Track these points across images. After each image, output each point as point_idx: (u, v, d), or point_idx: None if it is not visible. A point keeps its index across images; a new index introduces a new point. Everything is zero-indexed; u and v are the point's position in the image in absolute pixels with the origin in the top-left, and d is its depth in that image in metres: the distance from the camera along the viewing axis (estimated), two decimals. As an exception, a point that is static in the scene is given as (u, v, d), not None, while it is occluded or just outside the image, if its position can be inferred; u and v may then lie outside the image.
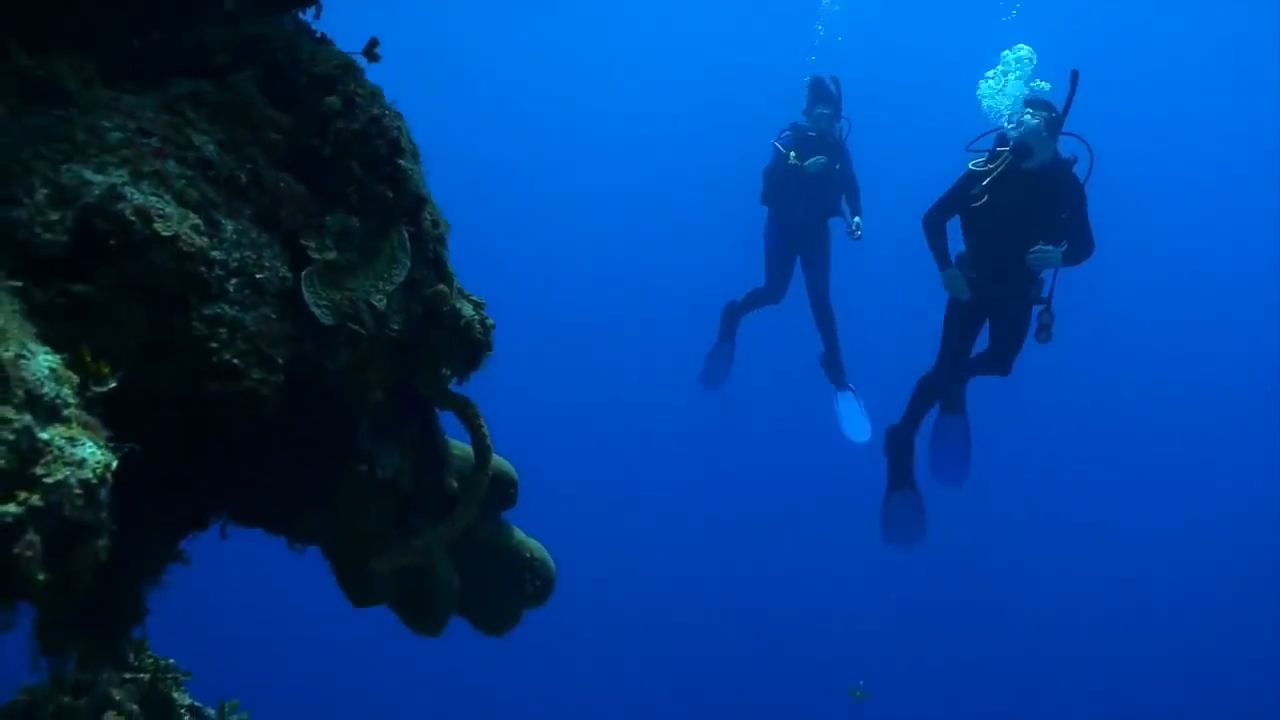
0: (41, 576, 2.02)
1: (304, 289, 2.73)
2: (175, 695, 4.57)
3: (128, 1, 2.87)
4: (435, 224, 3.21)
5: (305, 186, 2.88)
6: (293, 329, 2.72)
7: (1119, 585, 22.99)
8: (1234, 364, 23.81)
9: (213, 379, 2.55)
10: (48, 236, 2.39)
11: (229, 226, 2.63)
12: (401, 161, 2.99)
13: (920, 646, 22.23)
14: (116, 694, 4.31)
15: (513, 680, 20.38)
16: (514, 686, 20.54)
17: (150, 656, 4.48)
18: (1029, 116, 8.62)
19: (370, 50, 3.06)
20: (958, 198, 8.99)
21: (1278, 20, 23.18)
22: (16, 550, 1.95)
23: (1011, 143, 8.69)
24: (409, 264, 2.99)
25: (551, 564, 4.07)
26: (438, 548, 3.42)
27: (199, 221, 2.51)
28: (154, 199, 2.48)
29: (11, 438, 1.98)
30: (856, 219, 11.65)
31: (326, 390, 2.95)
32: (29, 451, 2.01)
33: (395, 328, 2.99)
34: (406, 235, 3.03)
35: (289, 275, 2.74)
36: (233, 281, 2.59)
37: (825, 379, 12.62)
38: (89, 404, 2.20)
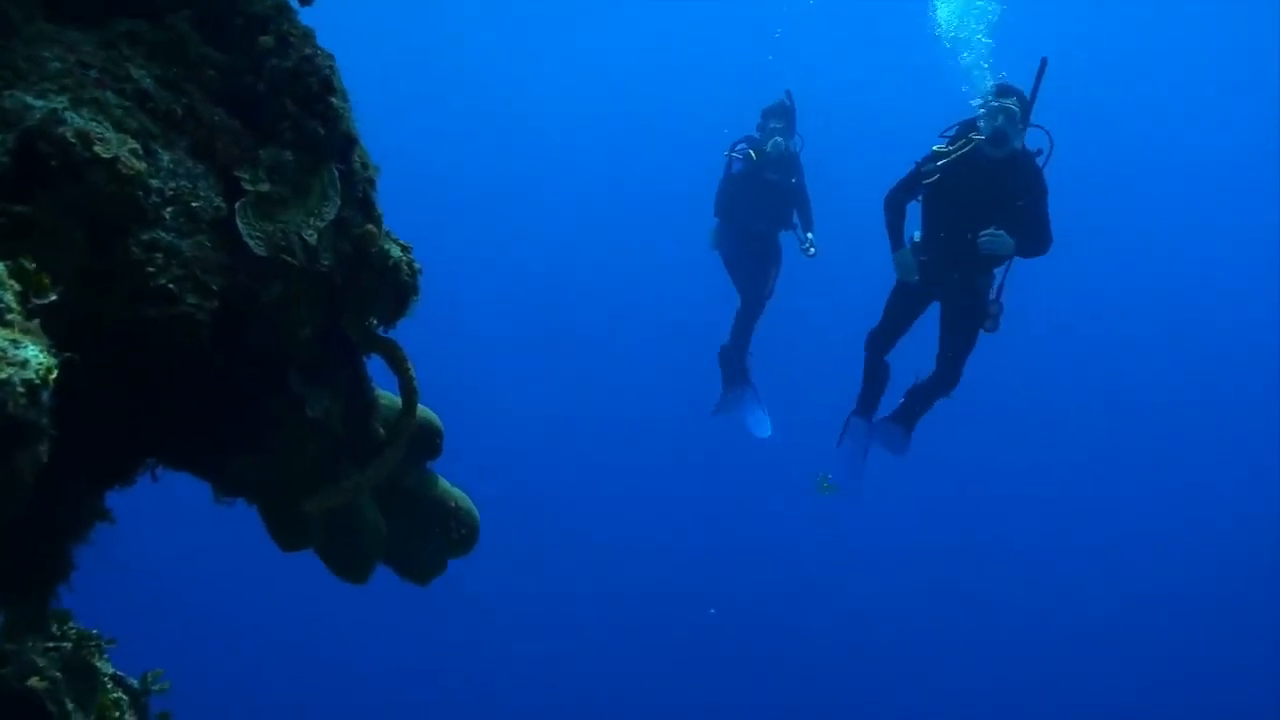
0: (-17, 475, 2.05)
1: (238, 219, 2.80)
2: (98, 664, 4.58)
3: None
4: (364, 165, 3.29)
5: (239, 122, 2.96)
6: (227, 258, 2.78)
7: (1119, 585, 23.20)
8: (1234, 363, 24.06)
9: (149, 303, 2.60)
10: (-10, 158, 2.44)
11: (165, 156, 2.69)
12: (333, 99, 3.07)
13: (919, 646, 22.42)
14: (40, 661, 4.33)
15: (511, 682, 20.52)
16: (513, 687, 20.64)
17: (73, 627, 4.49)
18: (1006, 103, 8.73)
19: (302, -9, 3.14)
20: (916, 176, 9.11)
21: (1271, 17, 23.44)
22: (-39, 444, 1.99)
23: (982, 128, 8.81)
24: (339, 202, 3.06)
25: (475, 512, 4.14)
26: (367, 486, 3.48)
27: (137, 147, 2.57)
28: (94, 124, 2.54)
29: (-44, 338, 2.02)
30: (809, 234, 11.76)
31: (257, 328, 3.00)
32: (-28, 352, 2.05)
33: (325, 263, 3.06)
34: (337, 174, 3.10)
35: (223, 206, 2.81)
36: (169, 209, 2.65)
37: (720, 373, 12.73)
38: (29, 315, 2.24)
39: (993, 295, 9.23)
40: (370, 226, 3.25)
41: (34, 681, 4.26)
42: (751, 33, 24.88)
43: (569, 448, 24.23)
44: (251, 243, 2.81)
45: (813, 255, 11.68)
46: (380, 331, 3.54)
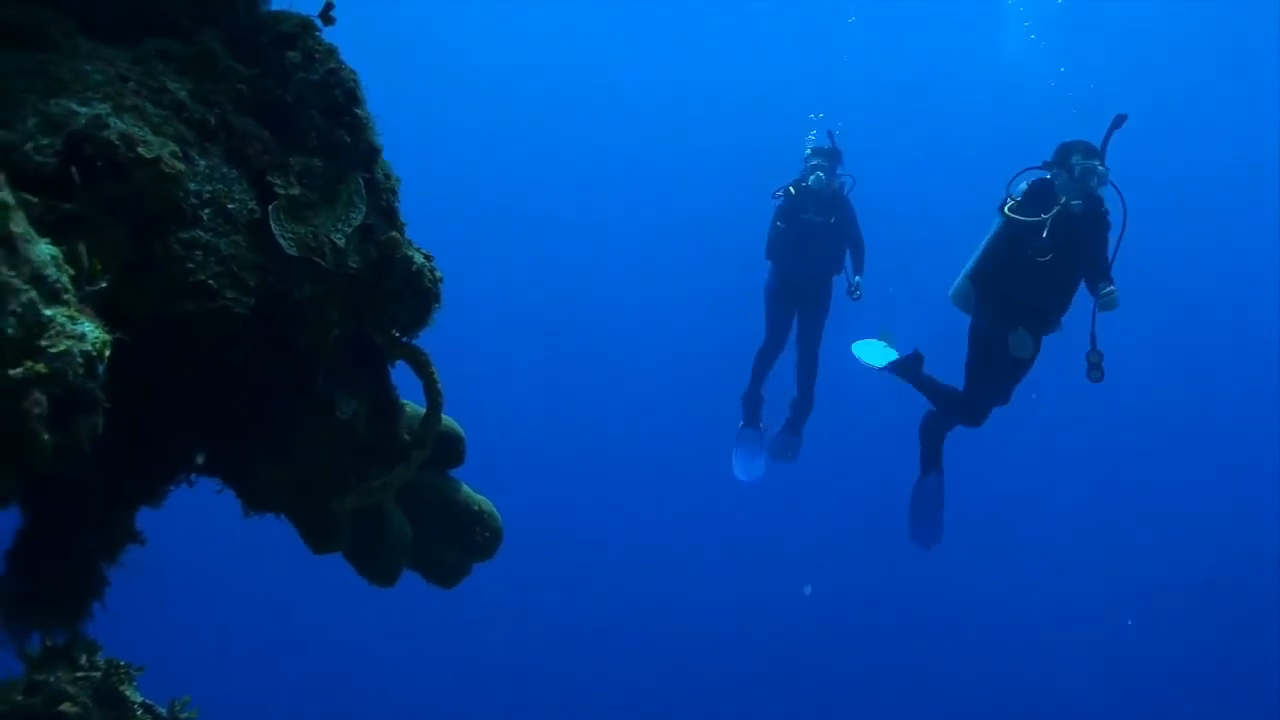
0: (47, 437, 2.19)
1: (271, 221, 2.95)
2: (127, 691, 4.67)
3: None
4: (387, 176, 3.45)
5: (269, 132, 3.12)
6: (261, 258, 2.93)
7: (1119, 585, 23.11)
8: (1235, 362, 23.99)
9: (189, 298, 2.75)
10: (39, 159, 2.59)
11: (202, 161, 2.84)
12: (358, 110, 3.24)
13: (918, 645, 22.34)
14: (71, 689, 4.43)
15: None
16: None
17: (101, 656, 4.58)
18: (1097, 165, 8.69)
19: (325, 13, 3.30)
20: (1013, 253, 9.03)
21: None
22: (25, 405, 2.12)
23: (1068, 189, 8.76)
24: (365, 209, 3.22)
25: (499, 516, 4.26)
26: (394, 487, 3.61)
27: (177, 149, 2.73)
28: (136, 128, 2.70)
29: (19, 310, 2.16)
30: (857, 278, 11.78)
31: (288, 327, 3.15)
32: (35, 324, 2.19)
33: (353, 266, 3.21)
34: (363, 182, 3.26)
35: (256, 208, 2.96)
36: (206, 210, 2.80)
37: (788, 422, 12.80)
38: (82, 299, 2.39)
39: (1090, 346, 9.03)
40: (394, 233, 3.40)
41: (66, 707, 4.36)
42: (774, 33, 25.19)
43: (576, 454, 24.25)
44: (284, 243, 2.96)
45: (858, 298, 11.70)
46: (404, 339, 3.68)
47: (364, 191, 3.24)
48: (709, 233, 24.30)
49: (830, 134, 11.97)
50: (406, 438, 3.75)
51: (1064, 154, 8.91)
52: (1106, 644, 22.63)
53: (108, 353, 2.32)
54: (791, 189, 11.66)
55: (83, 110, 2.66)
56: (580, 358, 25.91)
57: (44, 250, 2.28)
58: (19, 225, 2.24)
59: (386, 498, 3.70)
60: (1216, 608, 22.77)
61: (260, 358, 3.11)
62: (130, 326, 2.80)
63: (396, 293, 3.45)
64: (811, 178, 11.56)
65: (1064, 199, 8.76)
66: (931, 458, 10.38)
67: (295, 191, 3.03)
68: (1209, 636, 22.58)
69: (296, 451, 3.40)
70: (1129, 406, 23.13)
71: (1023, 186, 9.12)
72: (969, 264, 9.52)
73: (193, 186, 2.78)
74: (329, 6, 3.29)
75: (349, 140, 3.20)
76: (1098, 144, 8.77)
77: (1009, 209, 9.00)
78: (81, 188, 2.61)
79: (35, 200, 2.54)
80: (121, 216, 2.66)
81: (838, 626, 22.41)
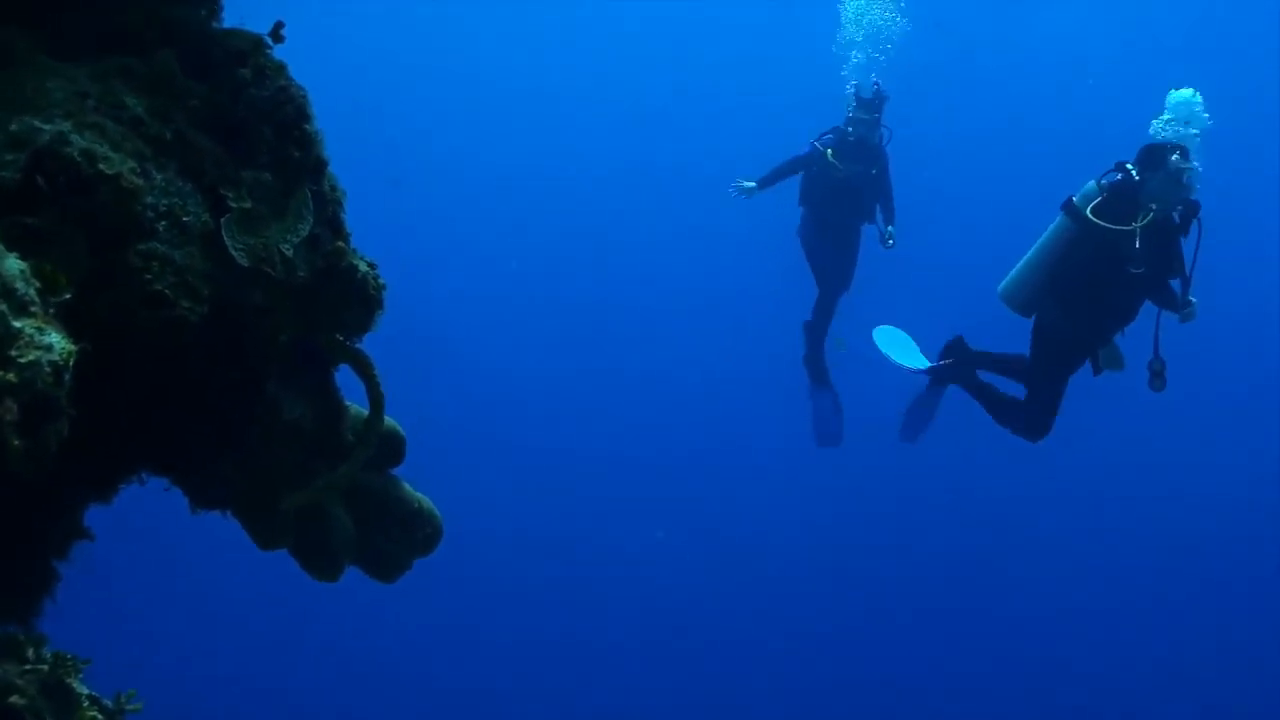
0: (17, 442, 2.33)
1: (224, 232, 3.10)
2: (74, 684, 4.77)
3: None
4: (333, 188, 3.60)
5: (223, 145, 3.26)
6: (214, 268, 3.08)
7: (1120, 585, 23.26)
8: (1235, 360, 24.10)
9: (147, 307, 2.89)
10: (4, 174, 2.72)
11: (158, 176, 2.98)
12: (306, 126, 3.39)
13: (919, 645, 22.44)
14: (19, 682, 4.53)
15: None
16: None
17: (50, 650, 4.68)
18: (1196, 166, 8.40)
19: (275, 32, 3.45)
20: (1101, 262, 8.67)
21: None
22: (-2, 413, 2.27)
23: (1165, 195, 8.42)
24: (312, 220, 3.37)
25: (438, 514, 4.41)
26: (339, 485, 3.76)
27: (135, 165, 2.87)
28: (96, 145, 2.83)
29: (-10, 323, 2.30)
30: (890, 228, 11.81)
31: (239, 334, 3.29)
32: (4, 335, 2.33)
33: (301, 275, 3.36)
34: (310, 194, 3.41)
35: (210, 221, 3.10)
36: (162, 223, 2.94)
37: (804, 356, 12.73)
38: (47, 310, 2.53)
39: (1152, 354, 8.84)
40: (340, 243, 3.55)
41: (14, 699, 4.46)
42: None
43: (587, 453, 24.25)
44: (236, 254, 3.10)
45: (891, 248, 11.76)
46: (348, 343, 3.83)
47: (311, 204, 3.38)
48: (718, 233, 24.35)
49: (875, 84, 11.92)
50: (350, 438, 3.90)
51: (1157, 155, 8.51)
52: (1110, 644, 22.82)
53: (73, 362, 2.46)
54: (829, 153, 11.64)
55: (46, 127, 2.79)
56: (587, 356, 25.88)
57: (13, 265, 2.42)
58: (-11, 245, 2.38)
59: (332, 496, 3.85)
60: (1218, 609, 22.99)
61: (212, 361, 3.24)
62: (91, 333, 2.95)
63: (341, 300, 3.60)
64: (857, 131, 11.62)
65: (1155, 205, 8.41)
66: (962, 376, 9.99)
67: (247, 205, 3.17)
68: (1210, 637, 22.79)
69: (245, 453, 3.54)
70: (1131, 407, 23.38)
71: (1091, 185, 8.74)
72: (1024, 263, 9.16)
73: (150, 200, 2.91)
74: (279, 26, 3.44)
75: (298, 155, 3.35)
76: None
77: (1092, 211, 8.57)
78: (45, 203, 2.74)
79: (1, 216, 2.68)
80: (83, 229, 2.79)
81: (839, 628, 22.51)
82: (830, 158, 11.59)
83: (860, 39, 14.64)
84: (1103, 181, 8.71)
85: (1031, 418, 9.40)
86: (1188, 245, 8.59)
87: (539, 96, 28.21)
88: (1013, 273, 9.28)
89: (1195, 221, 8.49)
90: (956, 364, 10.02)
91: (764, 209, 12.66)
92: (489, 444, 23.27)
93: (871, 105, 11.75)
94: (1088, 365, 9.20)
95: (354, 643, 20.17)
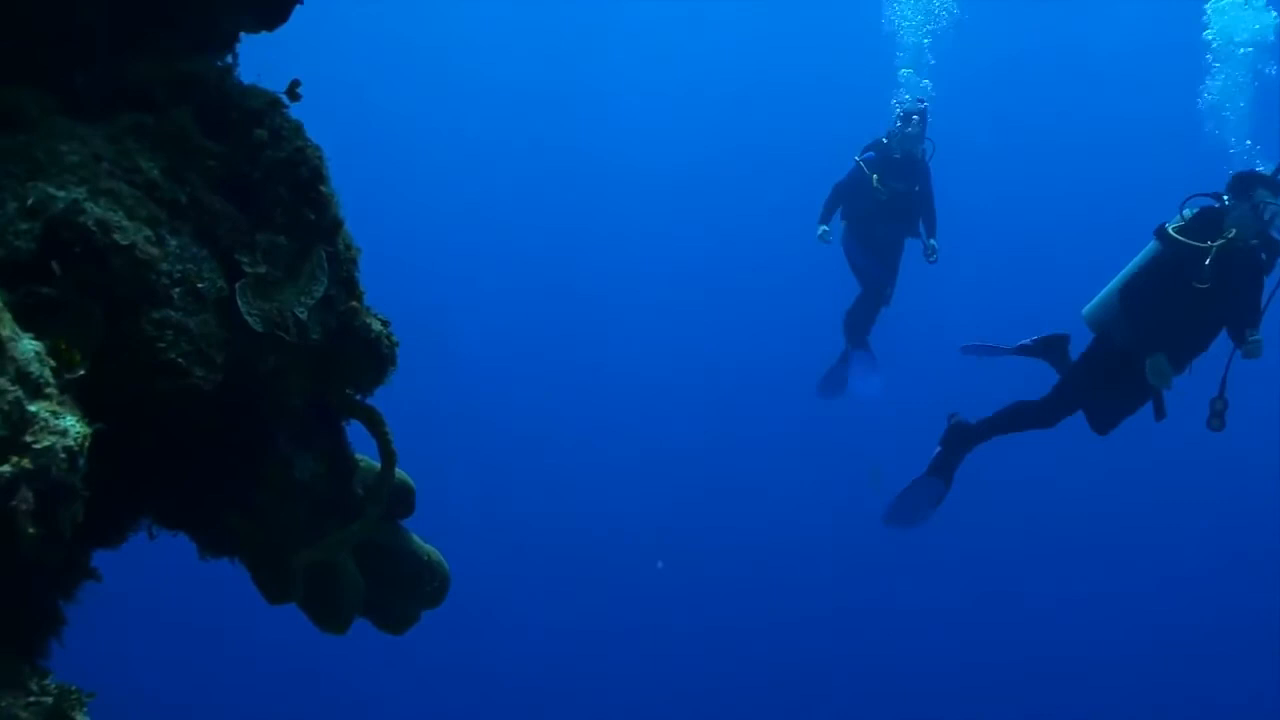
0: (32, 530, 2.30)
1: (238, 298, 3.07)
2: (79, 717, 4.73)
3: (68, 38, 3.20)
4: (348, 247, 3.57)
5: (236, 208, 3.23)
6: (228, 334, 3.05)
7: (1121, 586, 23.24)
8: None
9: (161, 376, 2.86)
10: (19, 244, 2.69)
11: (173, 241, 2.95)
12: (322, 188, 3.36)
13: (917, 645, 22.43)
14: (23, 715, 4.49)
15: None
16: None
17: (53, 683, 4.64)
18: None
19: (292, 90, 3.42)
20: (1171, 276, 8.64)
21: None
22: (13, 504, 2.24)
23: (1245, 227, 8.36)
24: (327, 281, 3.34)
25: (446, 565, 4.39)
26: (351, 543, 3.74)
27: (150, 234, 2.84)
28: (111, 213, 2.80)
29: (6, 408, 2.27)
30: (932, 241, 11.84)
31: (252, 395, 3.27)
32: (20, 421, 2.30)
33: (315, 337, 3.33)
34: (325, 255, 3.38)
35: (225, 286, 3.07)
36: (177, 290, 2.91)
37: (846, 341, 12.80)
38: (62, 389, 2.50)
39: (1216, 392, 8.78)
40: (354, 303, 3.53)
41: (18, 735, 4.42)
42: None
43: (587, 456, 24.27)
44: (250, 320, 3.08)
45: (934, 262, 11.78)
46: (360, 399, 3.80)
47: (326, 264, 3.36)
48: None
49: (921, 101, 11.93)
50: (360, 492, 3.88)
51: (1245, 185, 8.52)
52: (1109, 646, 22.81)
53: (88, 444, 2.44)
54: (875, 179, 11.61)
55: (60, 195, 2.76)
56: (585, 358, 25.90)
57: (27, 346, 2.39)
58: (6, 328, 2.35)
59: (340, 555, 3.82)
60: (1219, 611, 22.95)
61: (226, 422, 3.22)
62: (105, 400, 2.93)
63: (355, 359, 3.58)
64: (901, 149, 11.63)
65: (1233, 232, 8.37)
66: (947, 467, 9.88)
67: (261, 270, 3.14)
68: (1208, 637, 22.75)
69: (256, 508, 3.52)
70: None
71: (1186, 212, 8.70)
72: (1114, 283, 9.13)
73: (164, 267, 2.88)
74: (295, 84, 3.41)
75: (313, 217, 3.33)
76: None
77: (1174, 229, 8.60)
78: (60, 274, 2.71)
79: (12, 292, 2.65)
80: (98, 298, 2.77)
81: (840, 631, 22.52)
82: (876, 183, 11.56)
83: (906, 54, 14.64)
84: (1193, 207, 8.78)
85: (1044, 406, 9.43)
86: (1269, 281, 8.55)
87: (540, 96, 28.24)
88: (1098, 295, 9.30)
89: (1272, 259, 8.49)
90: (956, 446, 9.86)
91: (775, 212, 12.68)
92: (489, 444, 23.31)
93: (916, 120, 11.70)
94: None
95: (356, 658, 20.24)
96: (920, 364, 19.23)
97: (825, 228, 11.79)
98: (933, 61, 14.91)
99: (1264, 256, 8.51)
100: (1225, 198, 8.62)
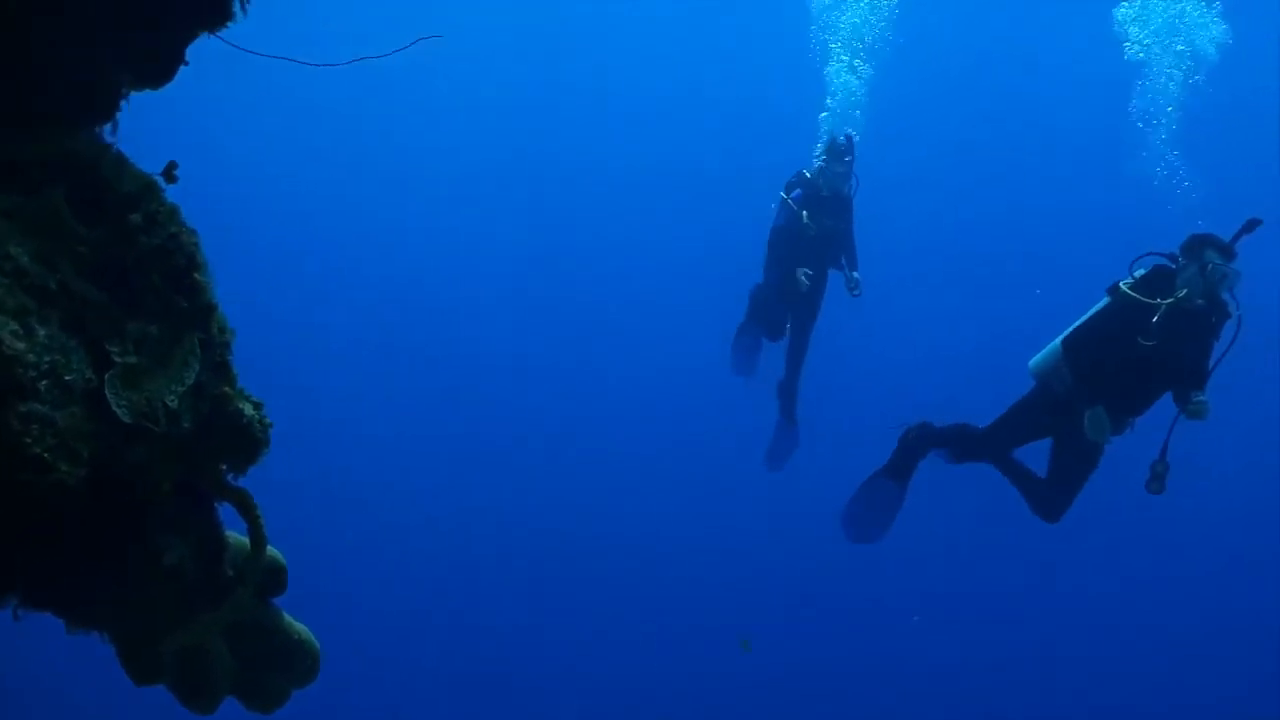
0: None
1: (107, 389, 3.03)
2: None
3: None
4: (221, 330, 3.53)
5: (109, 294, 3.19)
6: (96, 426, 3.01)
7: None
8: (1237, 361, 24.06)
9: (25, 470, 2.81)
10: (-122, 340, 2.65)
11: (41, 331, 2.91)
12: (197, 275, 3.33)
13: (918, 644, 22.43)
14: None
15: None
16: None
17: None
18: (1234, 268, 8.52)
19: (169, 173, 3.38)
20: (1117, 330, 8.80)
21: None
22: None
23: (1192, 287, 8.50)
24: (199, 368, 3.31)
25: (317, 644, 4.35)
26: (219, 627, 3.70)
27: (18, 328, 2.80)
28: (-23, 306, 2.76)
29: None
30: (855, 274, 11.81)
31: (122, 484, 3.22)
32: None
33: (185, 425, 3.29)
34: (197, 342, 3.35)
35: (93, 377, 3.03)
36: (44, 383, 2.87)
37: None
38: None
39: (1158, 455, 8.93)
40: (226, 389, 3.50)
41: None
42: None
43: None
44: (119, 411, 3.04)
45: (858, 295, 11.77)
46: (232, 480, 3.77)
47: (199, 351, 3.33)
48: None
49: (849, 136, 11.88)
50: (231, 573, 3.84)
51: (1196, 247, 8.69)
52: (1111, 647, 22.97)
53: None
54: (805, 215, 11.65)
55: (-76, 287, 2.72)
56: (570, 358, 25.77)
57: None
58: None
59: (211, 635, 3.78)
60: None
61: (92, 511, 3.17)
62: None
63: (228, 444, 3.56)
64: (831, 185, 11.69)
65: (1184, 292, 8.55)
66: (904, 470, 10.12)
67: (132, 359, 3.11)
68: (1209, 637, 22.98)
69: (125, 595, 3.47)
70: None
71: (1138, 272, 8.92)
72: (1062, 335, 9.29)
73: (31, 359, 2.84)
74: (172, 166, 3.37)
75: (185, 305, 3.30)
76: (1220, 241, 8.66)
77: (1126, 285, 8.80)
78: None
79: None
80: (-39, 392, 2.72)
81: (840, 631, 22.52)
82: (806, 219, 11.59)
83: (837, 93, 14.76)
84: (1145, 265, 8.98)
85: (984, 437, 9.70)
86: (1218, 347, 8.74)
87: (538, 96, 28.24)
88: (1045, 348, 9.47)
89: (1220, 321, 8.68)
90: (914, 446, 10.11)
91: (751, 216, 12.72)
92: (487, 443, 23.15)
93: (844, 155, 11.74)
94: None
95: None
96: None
97: (806, 269, 11.73)
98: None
99: (1213, 319, 8.69)
100: (1179, 258, 8.81)
